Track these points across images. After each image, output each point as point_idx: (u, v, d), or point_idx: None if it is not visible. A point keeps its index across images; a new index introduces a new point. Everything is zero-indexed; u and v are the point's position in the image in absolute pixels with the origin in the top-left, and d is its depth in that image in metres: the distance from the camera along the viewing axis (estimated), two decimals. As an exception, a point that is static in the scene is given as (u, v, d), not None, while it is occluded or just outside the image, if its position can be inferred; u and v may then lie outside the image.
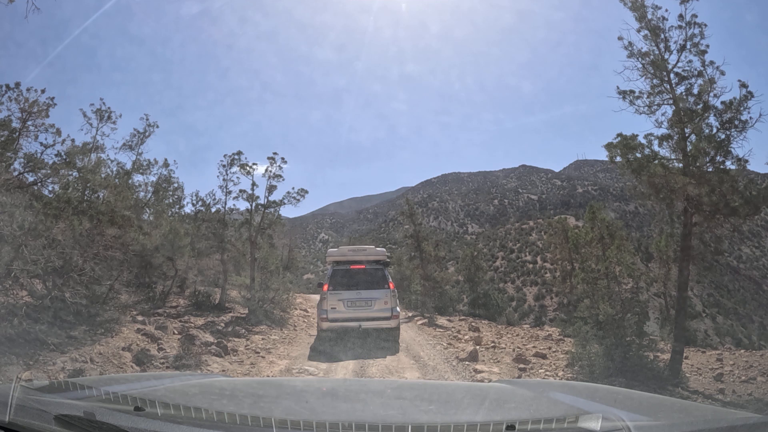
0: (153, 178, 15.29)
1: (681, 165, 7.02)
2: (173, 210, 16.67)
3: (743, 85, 6.67)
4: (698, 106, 6.93)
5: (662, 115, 7.24)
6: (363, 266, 10.08)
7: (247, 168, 14.29)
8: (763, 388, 6.64)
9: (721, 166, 6.83)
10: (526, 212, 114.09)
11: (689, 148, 6.95)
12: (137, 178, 14.64)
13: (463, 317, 17.01)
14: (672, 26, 7.15)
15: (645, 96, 7.30)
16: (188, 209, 16.45)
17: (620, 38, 7.40)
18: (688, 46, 7.03)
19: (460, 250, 32.42)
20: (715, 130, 6.86)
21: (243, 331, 10.95)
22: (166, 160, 15.63)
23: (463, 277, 21.34)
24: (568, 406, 1.74)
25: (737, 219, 6.83)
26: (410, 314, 17.11)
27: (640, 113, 7.33)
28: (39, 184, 9.57)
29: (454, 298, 19.85)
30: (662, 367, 6.97)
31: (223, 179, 14.48)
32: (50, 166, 9.59)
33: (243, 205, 14.69)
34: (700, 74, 6.95)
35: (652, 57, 7.23)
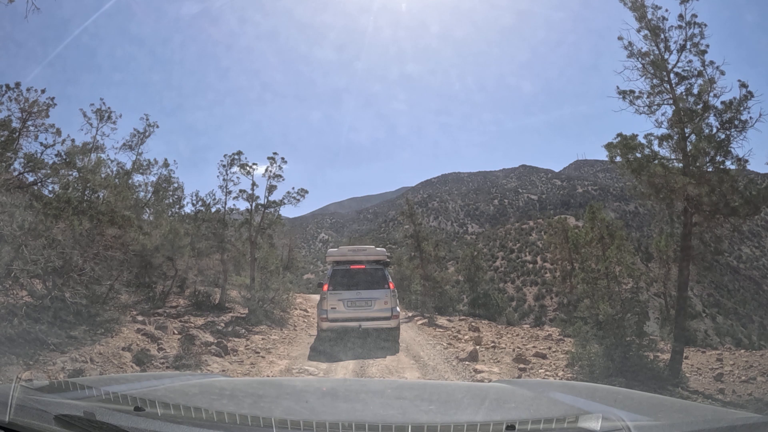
0: (153, 178, 15.30)
1: (681, 165, 7.02)
2: (173, 210, 16.68)
3: (743, 85, 6.67)
4: (698, 106, 6.93)
5: (662, 115, 7.25)
6: (363, 266, 10.07)
7: (247, 168, 14.32)
8: (763, 388, 6.64)
9: (721, 166, 6.83)
10: (526, 212, 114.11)
11: (689, 148, 6.95)
12: (137, 178, 14.65)
13: (463, 317, 17.00)
14: (672, 26, 7.16)
15: (645, 96, 7.31)
16: (188, 209, 16.45)
17: (620, 38, 7.41)
18: (688, 46, 7.03)
19: (460, 250, 32.41)
20: (715, 130, 6.85)
21: (243, 331, 10.95)
22: (166, 160, 15.64)
23: (463, 277, 21.32)
24: (568, 406, 1.74)
25: (737, 219, 6.83)
26: (410, 314, 17.11)
27: (640, 113, 7.34)
28: (39, 184, 9.55)
29: (454, 298, 19.84)
30: (662, 367, 6.97)
31: (223, 179, 14.53)
32: (50, 166, 9.57)
33: (243, 205, 14.75)
34: (700, 74, 6.96)
35: (652, 57, 7.23)
